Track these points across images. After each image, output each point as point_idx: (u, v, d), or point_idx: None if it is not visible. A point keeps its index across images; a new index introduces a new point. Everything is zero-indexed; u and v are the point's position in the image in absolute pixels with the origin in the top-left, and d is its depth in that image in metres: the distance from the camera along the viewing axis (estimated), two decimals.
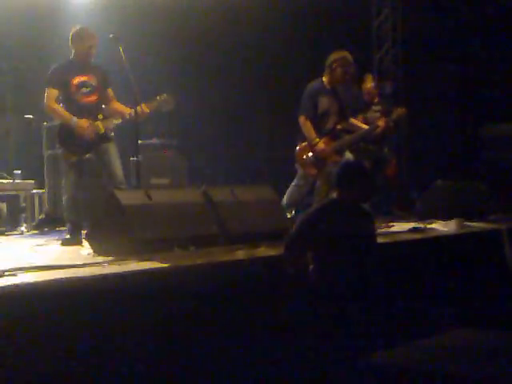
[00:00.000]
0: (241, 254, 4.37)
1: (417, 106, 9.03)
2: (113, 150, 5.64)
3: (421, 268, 4.92)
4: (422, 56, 9.49)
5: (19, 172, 7.42)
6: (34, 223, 7.25)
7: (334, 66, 6.12)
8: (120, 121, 5.68)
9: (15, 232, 6.99)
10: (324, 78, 6.19)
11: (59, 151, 7.42)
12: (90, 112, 5.60)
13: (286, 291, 3.95)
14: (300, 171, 6.30)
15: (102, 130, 5.59)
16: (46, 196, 7.56)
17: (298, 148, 6.22)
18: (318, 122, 6.12)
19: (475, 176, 7.87)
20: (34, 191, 7.56)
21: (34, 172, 7.66)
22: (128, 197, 4.71)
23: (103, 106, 5.75)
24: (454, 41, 9.40)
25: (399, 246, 5.17)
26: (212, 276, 3.91)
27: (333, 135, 6.15)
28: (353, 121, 6.41)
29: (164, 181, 7.66)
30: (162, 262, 3.97)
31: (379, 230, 5.93)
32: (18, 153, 7.87)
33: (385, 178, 7.61)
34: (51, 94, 5.58)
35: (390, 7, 9.61)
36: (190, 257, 4.25)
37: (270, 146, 9.58)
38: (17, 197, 7.43)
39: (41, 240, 6.05)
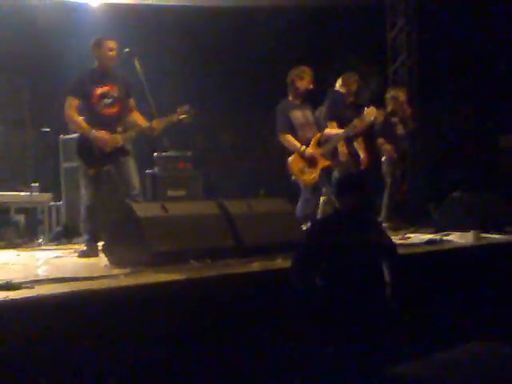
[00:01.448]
0: (256, 267, 4.36)
1: (432, 118, 9.01)
2: (130, 163, 5.65)
3: (437, 280, 4.89)
4: (437, 67, 9.47)
5: (36, 185, 7.49)
6: (51, 235, 7.31)
7: (292, 82, 6.39)
8: (135, 134, 5.69)
9: (33, 244, 7.04)
10: (289, 96, 6.45)
11: (76, 164, 7.51)
12: (110, 124, 5.58)
13: (302, 303, 3.94)
14: (301, 184, 6.38)
15: (121, 143, 5.59)
16: (63, 208, 7.62)
17: (289, 160, 6.34)
18: (296, 134, 6.34)
19: (492, 187, 7.83)
20: (51, 204, 7.63)
21: (50, 185, 7.73)
22: (144, 209, 4.73)
23: (124, 116, 5.72)
24: (470, 51, 9.38)
25: (415, 258, 5.15)
26: (228, 288, 3.91)
27: (316, 143, 6.34)
28: (327, 130, 6.59)
29: (180, 193, 7.69)
30: (177, 275, 3.98)
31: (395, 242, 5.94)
32: (35, 166, 7.95)
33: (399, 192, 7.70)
34: (72, 103, 5.57)
35: (405, 19, 9.62)
36: (205, 269, 4.25)
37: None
38: (34, 209, 7.50)
39: (58, 252, 6.09)
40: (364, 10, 9.08)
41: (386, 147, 7.66)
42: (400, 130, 7.87)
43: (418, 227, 7.21)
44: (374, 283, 3.75)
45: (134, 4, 8.24)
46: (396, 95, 7.89)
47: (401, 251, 5.09)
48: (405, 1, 9.58)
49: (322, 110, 6.97)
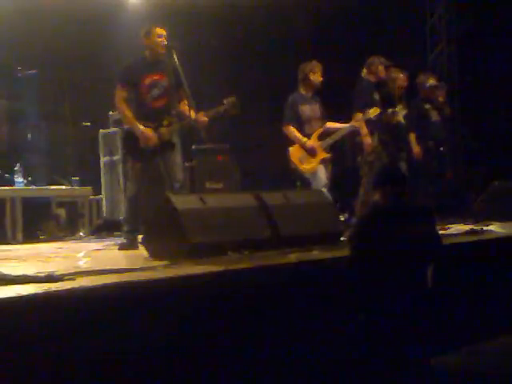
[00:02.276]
0: (294, 258, 4.36)
1: (472, 106, 8.88)
2: (176, 156, 5.65)
3: (479, 270, 4.84)
4: (477, 55, 9.32)
5: (77, 179, 7.60)
6: (91, 228, 7.41)
7: (306, 77, 6.58)
8: (181, 127, 5.69)
9: (74, 237, 7.16)
10: (301, 90, 6.65)
11: (115, 157, 7.62)
12: (156, 117, 5.57)
13: (339, 294, 3.94)
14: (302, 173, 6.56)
15: (166, 137, 5.59)
16: (103, 202, 7.72)
17: (290, 149, 6.58)
18: (303, 128, 6.55)
19: None
20: (92, 197, 7.74)
21: (91, 178, 7.83)
22: (182, 201, 4.76)
23: (171, 109, 5.68)
24: (510, 39, 9.20)
25: (456, 249, 5.09)
26: (265, 279, 3.92)
27: (317, 136, 6.55)
28: (329, 124, 6.69)
29: (217, 185, 7.73)
30: (215, 266, 4.00)
31: None
32: (76, 160, 8.06)
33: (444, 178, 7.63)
34: (121, 93, 5.59)
35: (444, 7, 9.49)
36: (243, 260, 4.27)
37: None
38: (75, 203, 7.61)
39: (98, 245, 6.18)
40: None
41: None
42: (434, 116, 7.74)
43: (457, 217, 7.11)
44: (419, 274, 3.70)
45: None
46: (425, 81, 7.75)
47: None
48: None
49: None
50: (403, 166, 6.89)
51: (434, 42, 9.66)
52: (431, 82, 7.77)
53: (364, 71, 6.96)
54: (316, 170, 6.50)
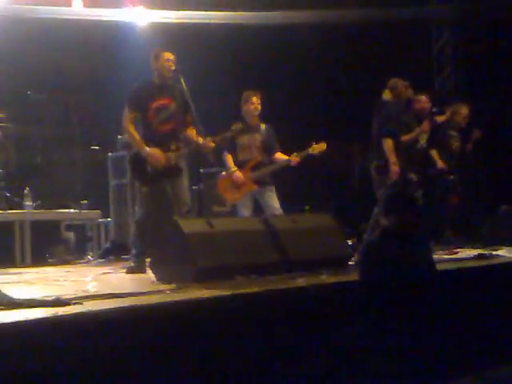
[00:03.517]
0: (301, 282, 4.35)
1: (480, 129, 8.86)
2: (183, 180, 5.68)
3: (486, 296, 4.80)
4: (484, 78, 9.34)
5: (86, 202, 7.63)
6: (100, 252, 7.43)
7: (243, 106, 6.44)
8: (188, 151, 5.74)
9: (82, 260, 7.17)
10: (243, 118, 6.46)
11: (124, 181, 7.65)
12: (164, 142, 5.60)
13: (348, 318, 3.92)
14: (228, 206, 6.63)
15: (173, 162, 5.63)
16: (111, 225, 7.74)
17: (220, 175, 6.61)
18: (239, 154, 6.41)
19: None
20: (100, 220, 7.76)
21: (99, 202, 7.86)
22: (190, 225, 4.77)
23: (178, 133, 5.72)
24: None
25: (464, 273, 5.07)
26: (273, 304, 3.91)
27: (251, 166, 6.39)
28: (277, 155, 6.51)
29: (225, 209, 7.74)
30: (223, 290, 4.00)
31: (444, 257, 5.87)
32: (85, 183, 8.10)
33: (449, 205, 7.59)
34: (129, 116, 5.63)
35: (451, 30, 9.54)
36: (251, 285, 4.26)
37: (330, 173, 9.54)
38: (83, 226, 7.65)
39: (106, 268, 6.19)
40: (410, 22, 9.03)
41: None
42: (456, 145, 7.74)
43: (466, 242, 7.09)
44: (420, 300, 3.70)
45: (180, 22, 8.36)
46: (461, 110, 7.73)
47: (450, 266, 5.05)
48: (451, 13, 9.51)
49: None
50: (418, 192, 6.78)
51: (440, 66, 9.69)
52: (464, 111, 7.75)
53: (387, 94, 6.76)
54: (238, 202, 6.42)
